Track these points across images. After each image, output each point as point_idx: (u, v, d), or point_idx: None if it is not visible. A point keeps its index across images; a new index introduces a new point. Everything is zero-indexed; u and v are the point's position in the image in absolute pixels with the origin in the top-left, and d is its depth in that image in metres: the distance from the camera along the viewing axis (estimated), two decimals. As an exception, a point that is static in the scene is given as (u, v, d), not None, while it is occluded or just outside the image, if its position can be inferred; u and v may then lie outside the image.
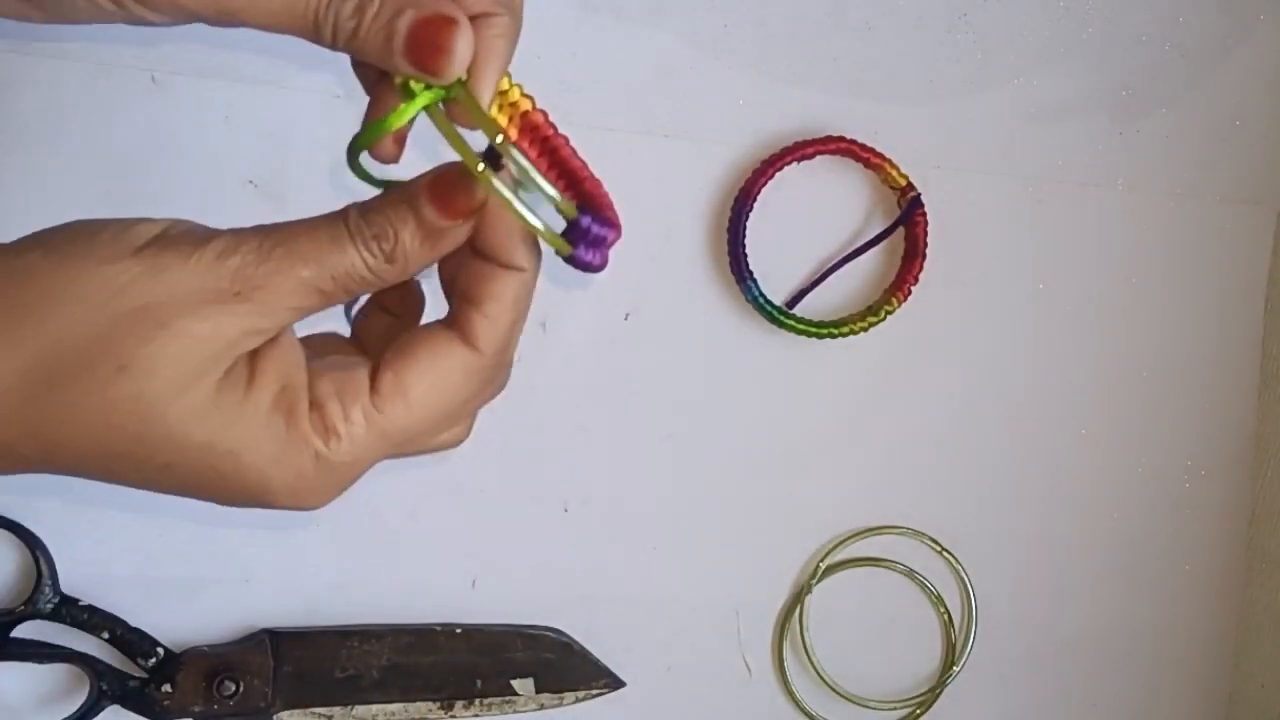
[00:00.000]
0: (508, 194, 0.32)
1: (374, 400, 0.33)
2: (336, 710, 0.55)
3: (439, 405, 0.34)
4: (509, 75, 0.36)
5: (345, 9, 0.32)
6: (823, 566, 0.61)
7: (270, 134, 0.55)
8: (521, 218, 0.32)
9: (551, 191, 0.33)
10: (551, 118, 0.37)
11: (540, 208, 0.33)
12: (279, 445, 0.32)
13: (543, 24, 0.52)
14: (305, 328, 0.35)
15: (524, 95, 0.36)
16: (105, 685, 0.52)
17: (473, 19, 0.33)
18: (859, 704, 0.61)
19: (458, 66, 0.32)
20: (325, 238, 0.32)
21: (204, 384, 0.31)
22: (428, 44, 0.31)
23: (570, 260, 0.34)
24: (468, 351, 0.34)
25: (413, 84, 0.33)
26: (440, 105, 0.33)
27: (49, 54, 0.53)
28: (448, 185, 0.33)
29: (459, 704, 0.56)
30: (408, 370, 0.34)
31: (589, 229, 0.34)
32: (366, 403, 0.33)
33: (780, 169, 0.58)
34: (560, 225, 0.34)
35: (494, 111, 0.35)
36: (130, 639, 0.53)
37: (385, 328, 0.38)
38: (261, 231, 0.32)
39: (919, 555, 0.62)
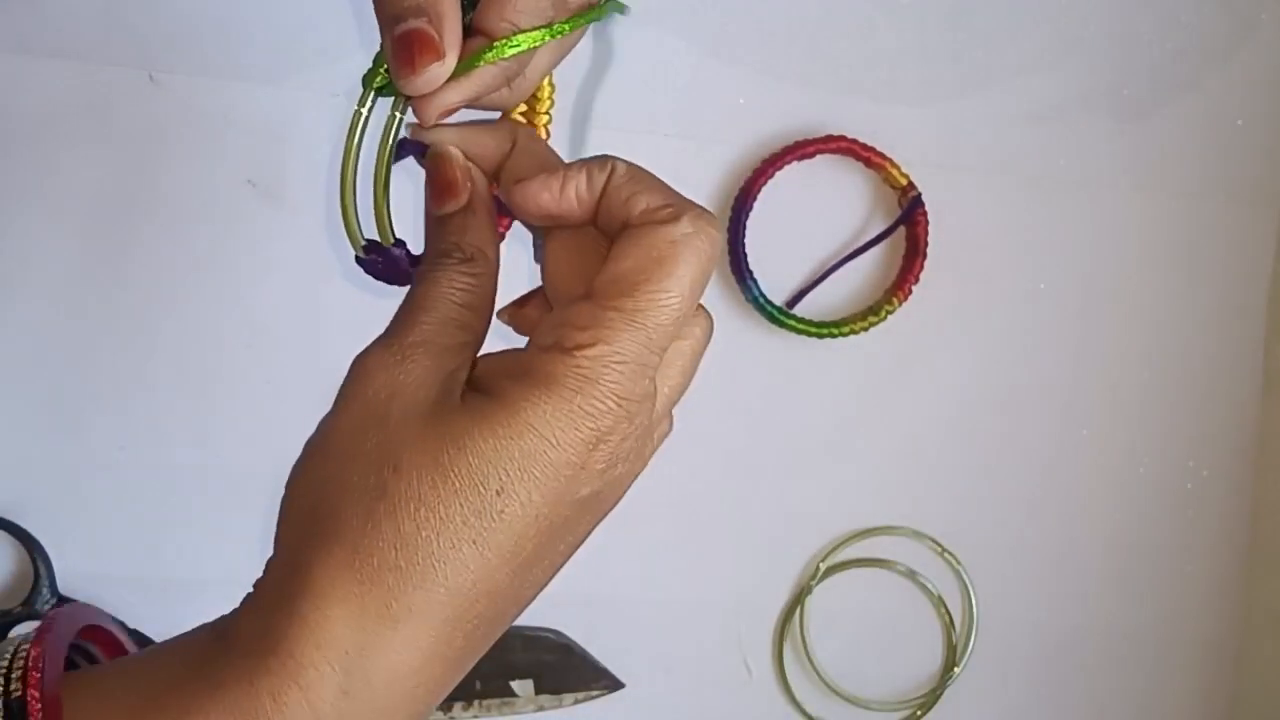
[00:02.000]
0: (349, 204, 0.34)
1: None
2: (336, 711, 0.55)
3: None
4: (551, 96, 0.37)
5: None
6: (823, 566, 0.60)
7: (269, 134, 0.55)
8: (348, 215, 0.35)
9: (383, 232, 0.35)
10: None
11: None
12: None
13: (542, 23, 0.52)
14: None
15: (547, 127, 0.37)
16: (104, 686, 0.52)
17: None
18: (859, 705, 0.61)
19: (422, 88, 0.33)
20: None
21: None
22: (409, 54, 0.32)
23: (358, 259, 0.36)
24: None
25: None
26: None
27: (49, 54, 0.53)
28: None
29: (458, 705, 0.56)
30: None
31: (375, 260, 0.36)
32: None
33: (780, 169, 0.58)
34: None
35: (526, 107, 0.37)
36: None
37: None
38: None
39: (919, 555, 0.62)
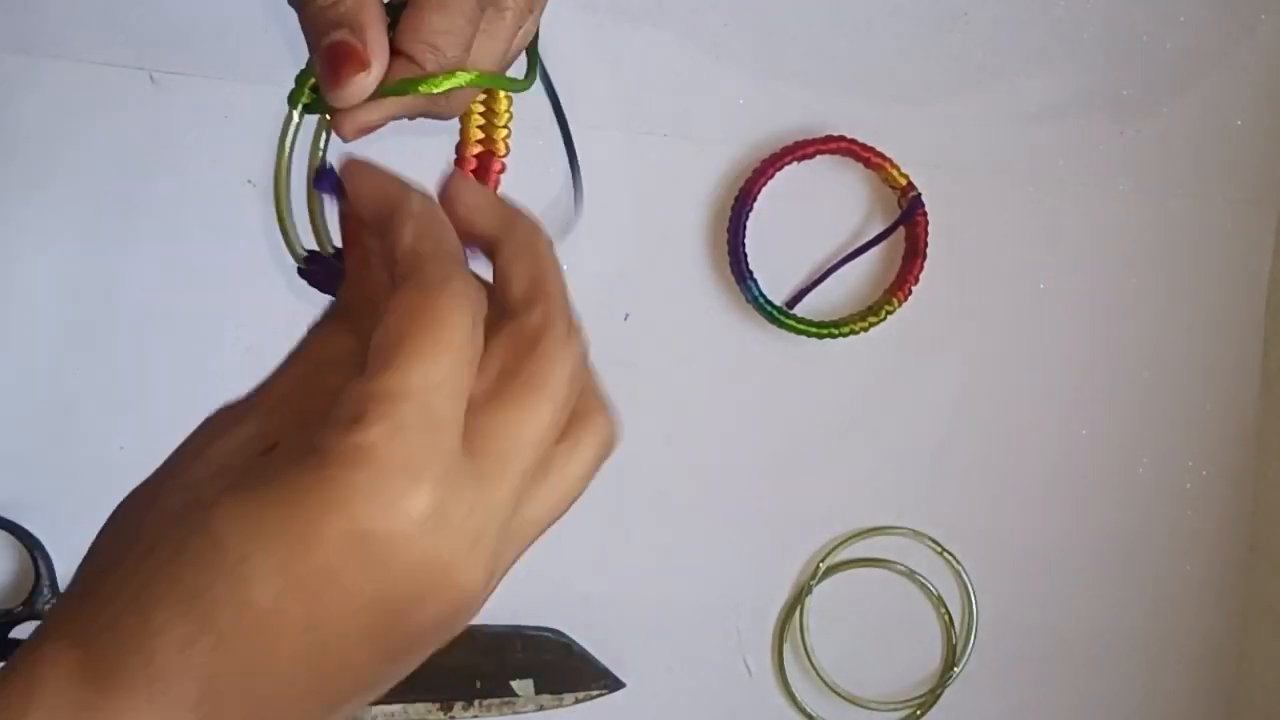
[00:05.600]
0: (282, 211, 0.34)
1: None
2: (336, 711, 0.55)
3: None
4: (509, 109, 0.37)
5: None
6: (823, 566, 0.61)
7: (270, 134, 0.55)
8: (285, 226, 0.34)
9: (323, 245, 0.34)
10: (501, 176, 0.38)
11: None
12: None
13: (542, 24, 0.52)
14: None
15: (506, 141, 0.37)
16: (104, 686, 0.52)
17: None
18: (859, 704, 0.61)
19: (346, 100, 0.32)
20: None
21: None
22: (335, 66, 0.32)
23: (299, 272, 0.35)
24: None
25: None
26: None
27: (49, 54, 0.53)
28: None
29: (458, 705, 0.56)
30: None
31: (316, 271, 0.35)
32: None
33: (780, 169, 0.58)
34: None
35: (476, 121, 0.36)
36: (129, 640, 0.53)
37: None
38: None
39: (919, 555, 0.62)
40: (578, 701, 0.57)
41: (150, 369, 0.55)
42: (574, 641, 0.57)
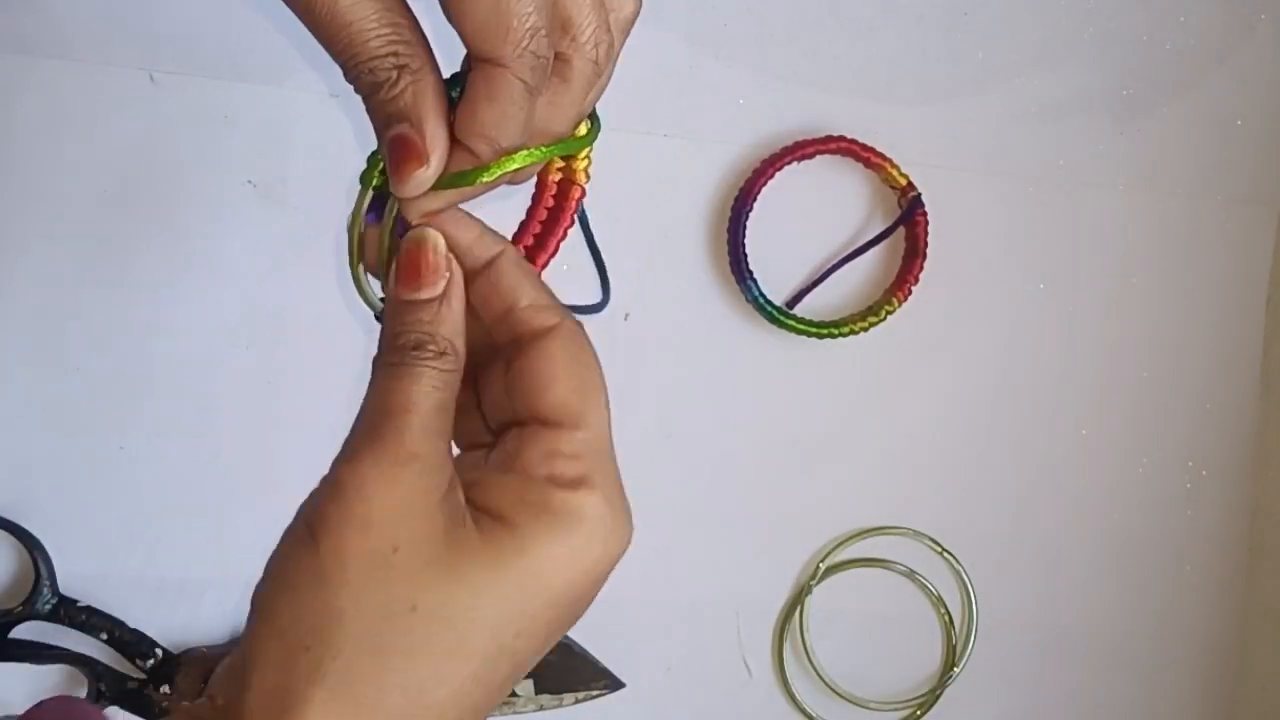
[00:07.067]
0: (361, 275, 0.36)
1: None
2: (336, 711, 0.55)
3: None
4: (593, 128, 0.39)
5: (375, 79, 0.33)
6: (823, 566, 0.61)
7: (270, 134, 0.55)
8: (359, 281, 0.36)
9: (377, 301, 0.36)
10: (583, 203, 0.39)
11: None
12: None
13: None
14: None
15: (586, 170, 0.39)
16: (104, 686, 0.52)
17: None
18: (859, 705, 0.61)
19: (408, 192, 0.33)
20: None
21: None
22: (396, 160, 0.33)
23: (378, 318, 0.37)
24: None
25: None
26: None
27: (49, 54, 0.53)
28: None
29: (458, 705, 0.56)
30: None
31: None
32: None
33: (780, 169, 0.58)
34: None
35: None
36: (129, 640, 0.53)
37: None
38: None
39: (919, 555, 0.62)
40: (578, 701, 0.57)
41: (150, 369, 0.55)
42: (574, 641, 0.57)
